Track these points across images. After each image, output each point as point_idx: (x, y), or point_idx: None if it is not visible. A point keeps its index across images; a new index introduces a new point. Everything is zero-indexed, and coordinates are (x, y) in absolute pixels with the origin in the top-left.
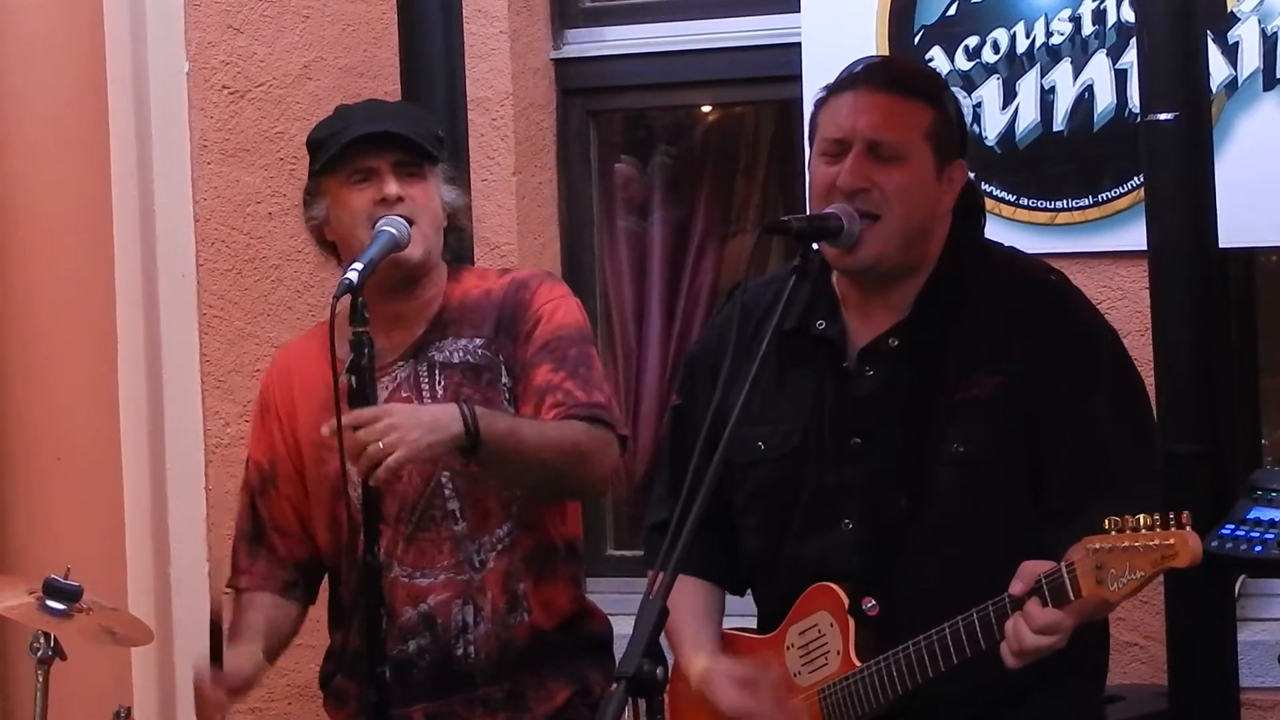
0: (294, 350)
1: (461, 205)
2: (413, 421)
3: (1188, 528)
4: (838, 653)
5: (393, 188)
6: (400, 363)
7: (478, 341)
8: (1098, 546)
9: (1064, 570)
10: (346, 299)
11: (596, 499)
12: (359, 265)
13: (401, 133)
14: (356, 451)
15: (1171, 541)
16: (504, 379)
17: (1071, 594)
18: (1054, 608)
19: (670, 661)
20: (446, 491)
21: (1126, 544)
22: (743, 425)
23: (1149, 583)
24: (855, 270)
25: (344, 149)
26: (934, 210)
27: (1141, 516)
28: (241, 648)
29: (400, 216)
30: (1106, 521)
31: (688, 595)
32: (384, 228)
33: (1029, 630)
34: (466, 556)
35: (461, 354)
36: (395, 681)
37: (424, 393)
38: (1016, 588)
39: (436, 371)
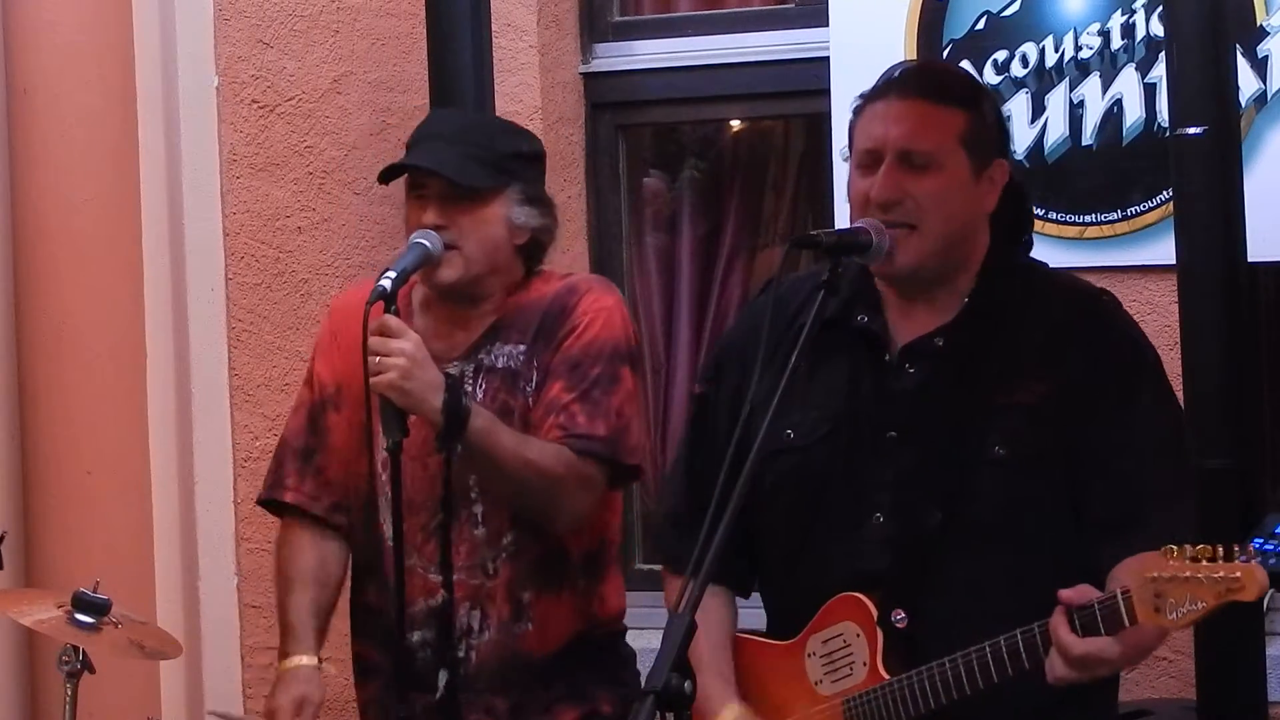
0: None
1: (540, 225)
2: (417, 368)
3: (1254, 561)
4: (864, 664)
5: (429, 217)
6: (454, 363)
7: (521, 348)
8: (1155, 575)
9: (1119, 597)
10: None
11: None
12: (392, 273)
13: (426, 166)
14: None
15: (1239, 575)
16: (533, 386)
17: (1126, 620)
18: (1105, 634)
19: None
20: (473, 494)
21: (1189, 574)
22: (775, 418)
23: (1211, 614)
24: (895, 277)
25: (390, 171)
26: (973, 213)
27: (1201, 546)
28: (297, 661)
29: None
30: (1163, 551)
31: (706, 609)
32: (417, 240)
33: (1060, 662)
34: (481, 561)
35: (505, 359)
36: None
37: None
38: (1059, 618)
39: (481, 375)
